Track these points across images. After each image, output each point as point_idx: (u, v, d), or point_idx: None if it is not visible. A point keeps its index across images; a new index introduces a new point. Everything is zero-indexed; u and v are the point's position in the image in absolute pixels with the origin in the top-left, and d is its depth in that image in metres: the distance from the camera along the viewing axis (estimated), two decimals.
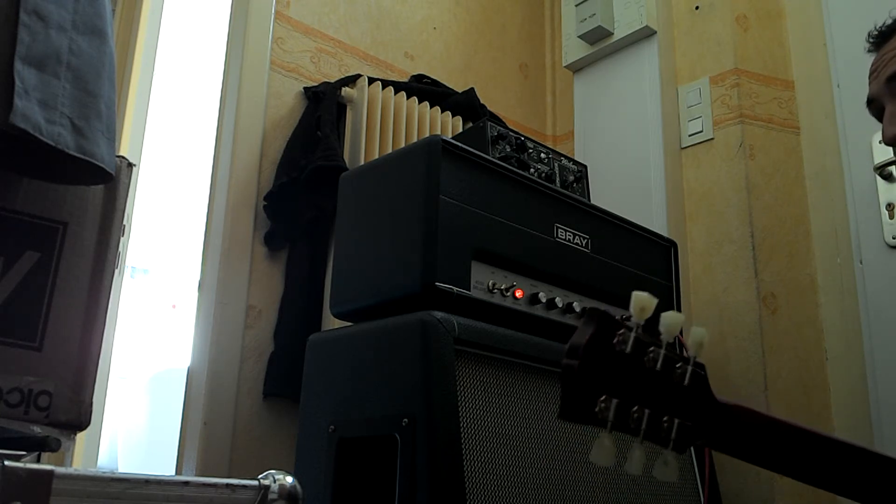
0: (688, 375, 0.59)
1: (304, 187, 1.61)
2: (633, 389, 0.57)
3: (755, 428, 0.63)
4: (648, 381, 0.58)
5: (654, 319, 0.59)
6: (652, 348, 0.58)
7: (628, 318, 0.58)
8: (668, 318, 0.59)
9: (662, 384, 0.58)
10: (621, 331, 0.57)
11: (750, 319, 1.72)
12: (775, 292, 1.74)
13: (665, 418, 0.58)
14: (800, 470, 0.64)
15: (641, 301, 0.58)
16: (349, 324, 1.20)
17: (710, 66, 1.93)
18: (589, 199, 1.51)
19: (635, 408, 0.57)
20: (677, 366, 0.59)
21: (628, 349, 0.57)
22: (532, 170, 1.41)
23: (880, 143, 1.69)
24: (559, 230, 1.28)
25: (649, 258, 1.45)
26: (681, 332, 0.63)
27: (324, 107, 1.71)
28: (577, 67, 2.16)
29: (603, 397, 0.56)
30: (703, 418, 0.60)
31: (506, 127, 1.46)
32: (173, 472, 1.54)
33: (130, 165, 0.90)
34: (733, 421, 0.61)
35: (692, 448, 1.38)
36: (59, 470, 0.56)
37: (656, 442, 0.58)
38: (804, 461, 0.64)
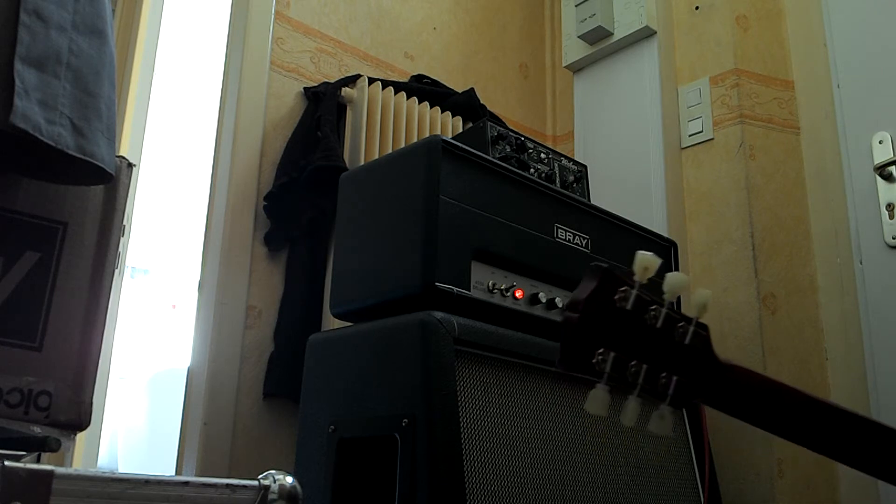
0: (689, 334, 0.60)
1: (304, 187, 1.61)
2: (631, 345, 0.58)
3: (756, 389, 0.63)
4: (648, 338, 0.59)
5: (657, 280, 0.60)
6: (654, 307, 0.59)
7: (631, 276, 0.59)
8: (673, 278, 0.60)
9: (662, 342, 0.60)
10: (623, 288, 0.59)
11: (750, 319, 1.72)
12: (775, 292, 1.74)
13: (663, 374, 0.59)
14: (797, 433, 0.65)
15: (645, 261, 0.59)
16: (349, 324, 1.20)
17: (710, 67, 1.93)
18: (589, 199, 1.51)
19: (633, 362, 0.58)
20: (679, 325, 0.60)
21: (629, 306, 0.58)
22: (532, 170, 1.41)
23: (880, 143, 1.69)
24: (559, 230, 1.28)
25: None
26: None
27: (324, 107, 1.71)
28: (577, 67, 2.16)
29: (601, 350, 0.57)
30: (702, 376, 0.61)
31: (506, 127, 1.46)
32: (173, 472, 1.54)
33: (130, 165, 0.90)
34: (734, 381, 0.62)
35: (692, 447, 1.38)
36: (59, 470, 0.56)
37: (653, 396, 0.59)
38: (802, 425, 0.65)
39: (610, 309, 0.58)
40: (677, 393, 0.59)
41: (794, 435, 0.65)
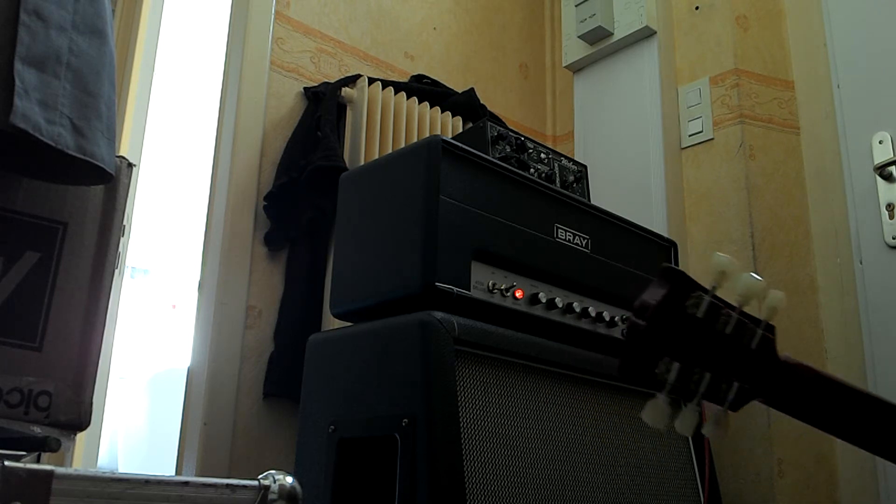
0: (757, 339, 0.57)
1: (304, 187, 1.61)
2: (697, 353, 0.56)
3: (815, 388, 0.60)
4: (715, 345, 0.56)
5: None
6: (725, 311, 0.56)
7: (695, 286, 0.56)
8: (749, 283, 0.57)
9: (729, 348, 0.57)
10: (696, 293, 0.56)
11: None
12: None
13: (725, 380, 0.57)
14: (856, 434, 0.62)
15: (722, 264, 0.56)
16: (349, 324, 1.20)
17: (710, 67, 1.93)
18: (589, 200, 1.51)
19: (696, 370, 0.56)
20: (748, 329, 0.57)
21: (700, 313, 0.56)
22: (532, 170, 1.41)
23: (880, 143, 1.69)
24: (559, 230, 1.28)
25: (649, 258, 1.45)
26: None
27: (324, 107, 1.71)
28: (577, 67, 2.16)
29: (665, 359, 0.55)
30: (764, 380, 0.58)
31: (506, 127, 1.46)
32: (173, 472, 1.54)
33: (130, 165, 0.90)
34: (793, 381, 0.59)
35: (692, 447, 1.38)
36: (59, 470, 0.56)
37: (712, 401, 0.57)
38: (862, 426, 0.62)
39: (679, 316, 0.55)
40: (737, 398, 0.57)
41: (854, 436, 0.62)
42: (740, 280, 0.57)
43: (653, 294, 0.55)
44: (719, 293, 0.57)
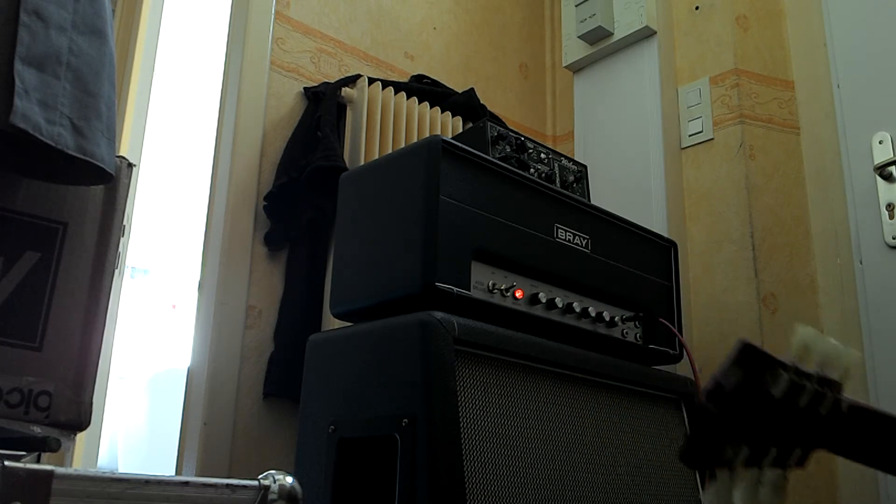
0: (828, 404, 0.53)
1: (304, 187, 1.61)
2: (769, 432, 0.52)
3: (877, 429, 0.56)
4: (787, 420, 0.52)
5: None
6: (804, 385, 0.52)
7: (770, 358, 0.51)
8: (831, 352, 0.53)
9: (800, 419, 0.53)
10: (775, 371, 0.51)
11: (750, 319, 1.72)
12: (775, 292, 1.74)
13: (790, 449, 0.53)
14: None
15: (806, 339, 0.53)
16: (349, 324, 1.20)
17: (710, 67, 1.93)
18: (589, 200, 1.51)
19: (764, 448, 0.52)
20: (821, 396, 0.53)
21: (778, 393, 0.51)
22: (532, 170, 1.41)
23: (880, 143, 1.69)
24: (559, 230, 1.28)
25: (649, 258, 1.45)
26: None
27: (324, 107, 1.71)
28: (577, 67, 2.16)
29: (734, 442, 0.51)
30: (828, 436, 0.54)
31: (506, 127, 1.46)
32: (173, 472, 1.54)
33: (130, 165, 0.90)
34: (857, 429, 0.56)
35: None
36: (59, 470, 0.56)
37: (777, 467, 0.53)
38: None
39: (755, 397, 0.51)
40: (800, 461, 0.54)
41: None
42: (822, 349, 0.53)
43: (727, 376, 0.51)
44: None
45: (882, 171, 1.67)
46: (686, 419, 1.41)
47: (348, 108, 1.76)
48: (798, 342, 0.53)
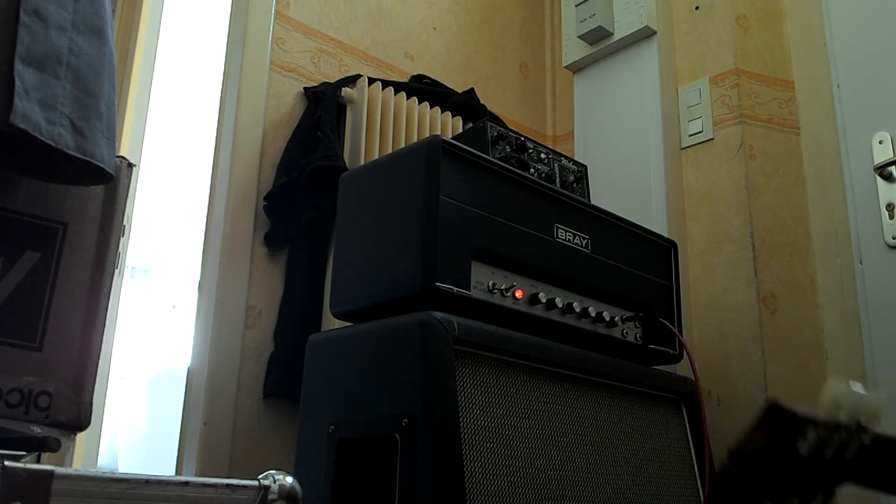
0: (853, 449, 0.52)
1: (304, 187, 1.61)
2: (794, 486, 0.51)
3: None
4: (814, 472, 0.51)
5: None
6: (831, 437, 0.51)
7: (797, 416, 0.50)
8: (867, 406, 0.52)
9: (827, 469, 0.52)
10: (804, 430, 0.51)
11: (750, 319, 1.72)
12: (775, 292, 1.74)
13: (813, 496, 0.52)
14: None
15: (838, 396, 0.51)
16: (349, 324, 1.20)
17: (710, 67, 1.93)
18: (589, 200, 1.51)
19: (787, 500, 0.51)
20: (847, 444, 0.52)
21: (805, 452, 0.51)
22: (532, 170, 1.41)
23: (880, 143, 1.69)
24: (559, 230, 1.28)
25: (649, 258, 1.45)
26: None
27: (324, 107, 1.71)
28: (577, 67, 2.16)
29: (757, 501, 0.50)
30: (852, 472, 0.54)
31: (506, 127, 1.46)
32: (173, 472, 1.54)
33: (130, 165, 0.90)
34: (879, 459, 0.54)
35: (692, 448, 1.38)
36: (59, 470, 0.56)
37: None
38: None
39: (781, 456, 0.50)
40: (825, 499, 0.53)
41: None
42: (852, 403, 0.52)
43: (755, 438, 0.50)
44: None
45: (882, 171, 1.67)
46: (686, 419, 1.41)
47: (348, 108, 1.76)
48: (829, 400, 0.52)
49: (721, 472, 0.51)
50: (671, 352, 1.43)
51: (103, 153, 0.77)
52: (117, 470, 0.62)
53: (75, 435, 0.80)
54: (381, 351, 1.07)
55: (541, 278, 1.24)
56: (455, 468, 0.96)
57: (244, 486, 0.65)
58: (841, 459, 0.53)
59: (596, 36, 2.05)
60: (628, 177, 1.94)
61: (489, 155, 1.33)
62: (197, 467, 1.46)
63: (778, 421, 0.51)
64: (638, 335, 1.39)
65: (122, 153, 1.62)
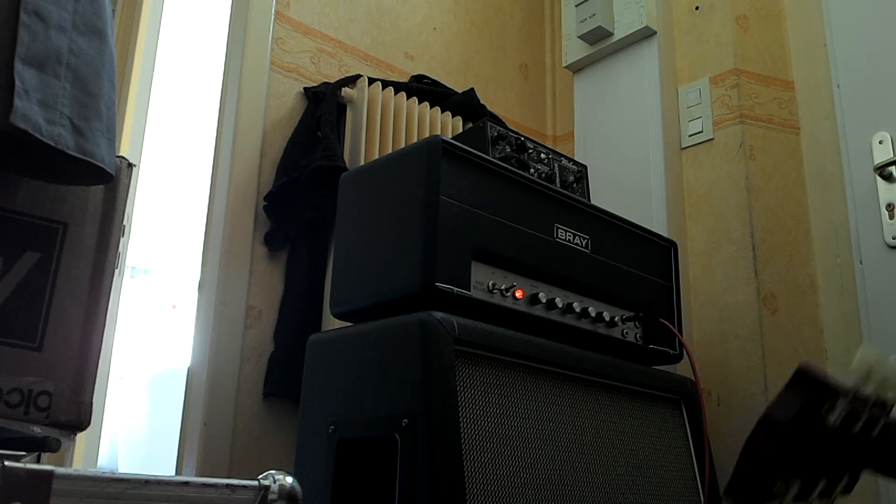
0: (879, 428, 0.51)
1: (304, 187, 1.61)
2: (821, 462, 0.50)
3: None
4: (841, 448, 0.50)
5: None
6: (860, 410, 0.50)
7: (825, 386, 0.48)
8: (895, 375, 0.50)
9: (853, 445, 0.51)
10: (834, 399, 0.49)
11: (750, 319, 1.72)
12: (775, 292, 1.74)
13: (839, 477, 0.51)
14: None
15: (869, 361, 0.50)
16: (349, 324, 1.20)
17: (710, 67, 1.93)
18: (589, 200, 1.51)
19: (816, 479, 0.50)
20: (874, 421, 0.51)
21: (835, 422, 0.49)
22: (532, 170, 1.41)
23: (880, 143, 1.69)
24: (559, 230, 1.28)
25: (649, 258, 1.45)
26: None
27: (324, 107, 1.71)
28: (577, 68, 2.16)
29: (786, 478, 0.49)
30: (877, 456, 0.53)
31: (506, 127, 1.46)
32: (173, 472, 1.54)
33: (130, 165, 0.90)
34: None
35: (692, 448, 1.38)
36: (59, 470, 0.56)
37: (824, 497, 0.52)
38: None
39: (810, 428, 0.48)
40: (847, 488, 0.52)
41: None
42: (884, 371, 0.51)
43: (785, 407, 0.49)
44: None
45: (882, 171, 1.67)
46: (686, 419, 1.41)
47: (348, 109, 1.76)
48: (861, 364, 0.51)
49: (748, 446, 0.50)
50: (671, 352, 1.43)
51: (103, 153, 0.77)
52: (117, 470, 0.62)
53: (75, 435, 0.80)
54: (381, 351, 1.07)
55: (541, 278, 1.24)
56: (455, 468, 0.96)
57: (244, 487, 0.65)
58: (867, 437, 0.51)
59: (596, 36, 2.05)
60: (628, 177, 1.94)
61: (489, 155, 1.33)
62: (197, 467, 1.46)
63: (807, 387, 0.49)
64: (638, 335, 1.39)
65: (122, 153, 1.62)
